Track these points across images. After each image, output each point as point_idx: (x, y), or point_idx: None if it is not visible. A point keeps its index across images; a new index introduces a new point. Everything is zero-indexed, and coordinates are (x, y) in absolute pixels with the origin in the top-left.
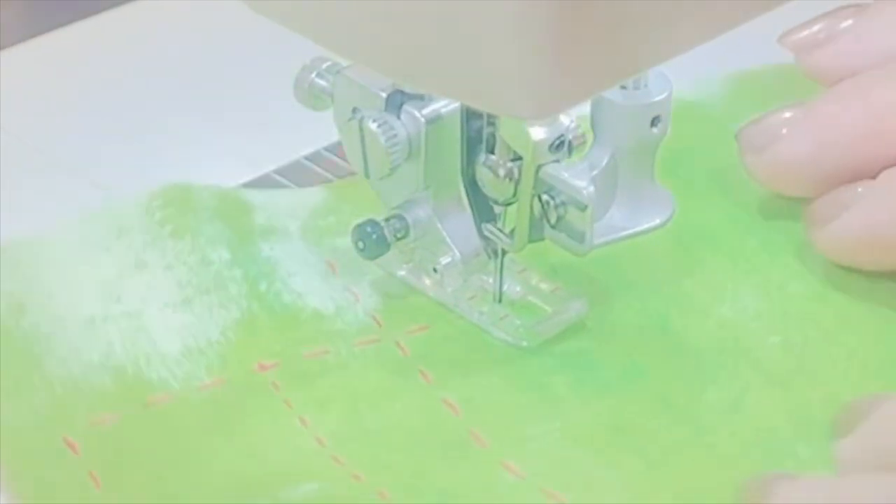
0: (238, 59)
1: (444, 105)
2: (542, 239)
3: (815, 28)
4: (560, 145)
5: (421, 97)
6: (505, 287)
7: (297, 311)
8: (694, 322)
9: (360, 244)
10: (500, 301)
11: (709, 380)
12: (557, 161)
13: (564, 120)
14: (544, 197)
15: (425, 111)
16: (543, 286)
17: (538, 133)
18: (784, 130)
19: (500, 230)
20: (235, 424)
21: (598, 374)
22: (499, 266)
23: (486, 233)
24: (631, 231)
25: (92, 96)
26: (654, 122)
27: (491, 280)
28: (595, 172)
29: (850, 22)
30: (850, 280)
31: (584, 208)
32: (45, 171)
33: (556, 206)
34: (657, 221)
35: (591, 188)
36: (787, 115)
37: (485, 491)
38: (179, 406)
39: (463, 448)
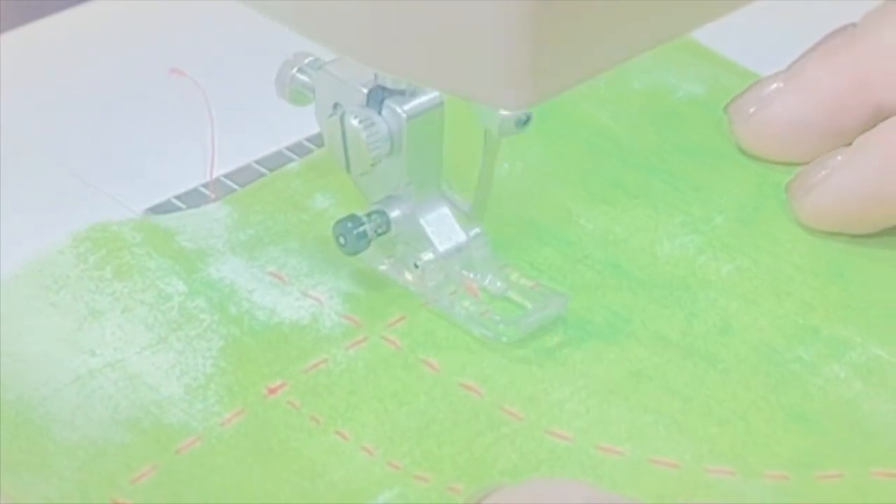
0: (224, 51)
1: (426, 100)
2: None
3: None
4: (527, 121)
5: (402, 93)
6: (485, 283)
7: (276, 326)
8: (645, 265)
9: (342, 239)
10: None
11: (689, 313)
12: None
13: None
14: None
15: (406, 107)
16: (523, 282)
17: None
18: (771, 97)
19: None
20: (278, 452)
21: (590, 331)
22: None
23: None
24: None
25: (75, 87)
26: None
27: (472, 276)
28: None
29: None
30: (772, 202)
31: None
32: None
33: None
34: None
35: None
36: (774, 82)
37: (545, 462)
38: (212, 445)
39: (502, 426)
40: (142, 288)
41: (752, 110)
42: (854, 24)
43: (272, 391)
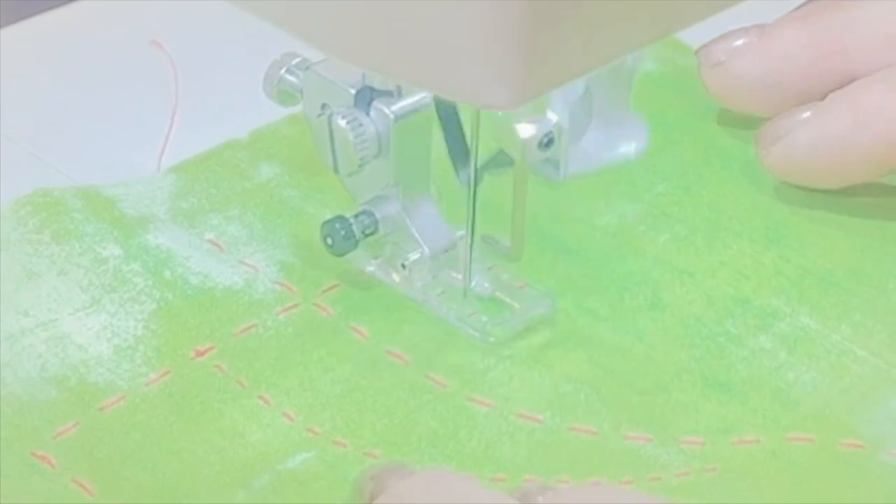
0: (212, 51)
1: (414, 102)
2: (513, 166)
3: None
4: (549, 142)
5: (390, 94)
6: (473, 283)
7: (209, 291)
8: (582, 236)
9: (329, 240)
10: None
11: (621, 287)
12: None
13: (552, 116)
14: None
15: (394, 108)
16: (511, 283)
17: (526, 130)
18: (741, 48)
19: (496, 240)
20: (199, 413)
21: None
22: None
23: (484, 241)
24: (605, 161)
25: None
26: None
27: (459, 276)
28: (570, 100)
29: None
30: (716, 169)
31: (558, 136)
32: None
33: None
34: (632, 152)
35: (566, 116)
36: (745, 33)
37: (463, 428)
38: (135, 405)
39: (425, 394)
40: (79, 252)
41: (722, 58)
42: None
43: (200, 354)
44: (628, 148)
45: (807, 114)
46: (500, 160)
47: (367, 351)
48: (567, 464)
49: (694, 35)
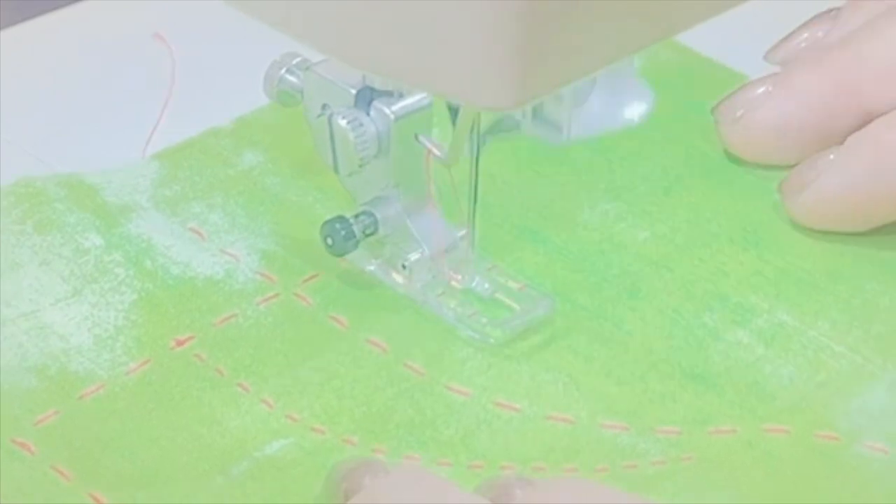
0: (210, 52)
1: (414, 102)
2: (519, 130)
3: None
4: None
5: (390, 94)
6: (473, 285)
7: (189, 280)
8: (563, 231)
9: (329, 240)
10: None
11: (600, 278)
12: None
13: None
14: None
15: (394, 108)
16: (511, 284)
17: None
18: (757, 99)
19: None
20: (178, 401)
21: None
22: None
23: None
24: (609, 125)
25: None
26: None
27: (459, 276)
28: None
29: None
30: (696, 171)
31: (560, 98)
32: None
33: None
34: (635, 117)
35: None
36: (762, 86)
37: (441, 416)
38: (114, 393)
39: (403, 382)
40: (60, 242)
41: (739, 113)
42: (837, 10)
43: (180, 343)
44: (632, 112)
45: (830, 157)
46: (505, 124)
47: (346, 339)
48: (544, 452)
49: (693, 37)
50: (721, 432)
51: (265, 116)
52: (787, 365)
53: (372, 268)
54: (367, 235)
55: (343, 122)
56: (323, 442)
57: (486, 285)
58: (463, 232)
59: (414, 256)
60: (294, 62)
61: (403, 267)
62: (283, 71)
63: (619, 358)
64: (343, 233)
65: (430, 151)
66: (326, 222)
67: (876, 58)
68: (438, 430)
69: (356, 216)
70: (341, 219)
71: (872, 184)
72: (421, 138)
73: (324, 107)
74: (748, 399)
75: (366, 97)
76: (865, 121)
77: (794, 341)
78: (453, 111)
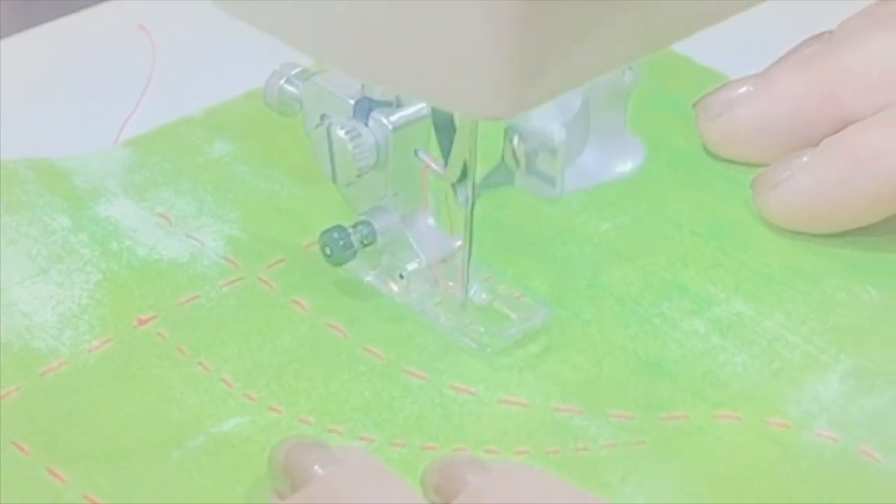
0: (192, 44)
1: (412, 112)
2: (512, 183)
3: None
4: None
5: (389, 104)
6: (471, 293)
7: (154, 263)
8: (526, 223)
9: (327, 250)
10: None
11: (561, 268)
12: None
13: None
14: (515, 140)
15: (393, 118)
16: (508, 293)
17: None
18: (738, 98)
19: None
20: (138, 378)
21: None
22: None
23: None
24: (602, 178)
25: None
26: (626, 70)
27: (456, 286)
28: (567, 117)
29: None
30: (662, 165)
31: (554, 153)
32: None
33: (527, 151)
34: (628, 168)
35: (563, 133)
36: (744, 86)
37: (396, 399)
38: (76, 370)
39: (361, 365)
40: (28, 222)
41: (719, 110)
42: (830, 32)
43: (143, 322)
44: (625, 166)
45: (804, 159)
46: (499, 177)
47: (307, 323)
48: (496, 434)
49: (689, 46)
50: (673, 418)
51: (237, 106)
52: (741, 353)
53: (369, 278)
54: (365, 245)
55: (341, 133)
56: (279, 420)
57: (483, 294)
58: (460, 242)
59: (411, 266)
60: (293, 72)
61: (401, 276)
62: (282, 81)
63: (576, 345)
64: (341, 242)
65: (428, 166)
66: (324, 232)
67: (857, 69)
68: (394, 412)
69: (354, 226)
70: (339, 228)
71: (842, 188)
72: (420, 154)
73: (322, 117)
74: (701, 386)
75: (364, 108)
76: (841, 128)
77: (749, 331)
78: (439, 128)
